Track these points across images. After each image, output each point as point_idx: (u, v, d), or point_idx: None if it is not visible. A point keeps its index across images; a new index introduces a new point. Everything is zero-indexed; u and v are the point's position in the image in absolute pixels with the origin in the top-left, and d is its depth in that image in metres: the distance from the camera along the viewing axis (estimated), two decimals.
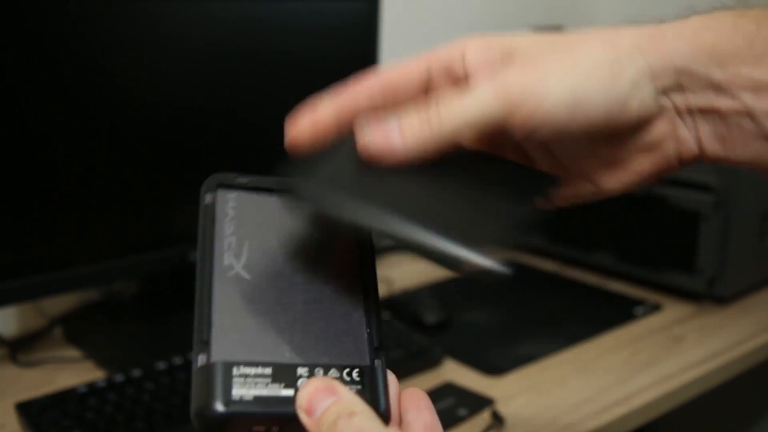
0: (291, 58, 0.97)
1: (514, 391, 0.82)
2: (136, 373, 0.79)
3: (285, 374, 0.32)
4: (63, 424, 0.71)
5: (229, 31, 0.91)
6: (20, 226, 0.81)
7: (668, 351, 0.92)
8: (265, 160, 1.13)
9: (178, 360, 0.81)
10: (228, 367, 0.31)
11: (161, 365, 0.80)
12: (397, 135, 0.35)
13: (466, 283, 1.14)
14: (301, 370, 0.32)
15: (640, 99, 0.35)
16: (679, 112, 0.36)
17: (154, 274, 0.99)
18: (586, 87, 0.35)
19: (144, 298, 1.01)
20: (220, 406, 0.30)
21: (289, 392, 0.31)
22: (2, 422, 0.75)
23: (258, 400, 0.31)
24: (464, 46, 0.38)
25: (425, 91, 0.38)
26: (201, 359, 0.32)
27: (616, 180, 0.39)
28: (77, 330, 0.95)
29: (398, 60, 0.39)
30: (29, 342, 0.93)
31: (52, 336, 0.95)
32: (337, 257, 0.37)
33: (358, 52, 1.03)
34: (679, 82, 0.36)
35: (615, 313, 1.02)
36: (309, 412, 0.30)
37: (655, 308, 1.04)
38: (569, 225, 1.19)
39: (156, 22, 0.85)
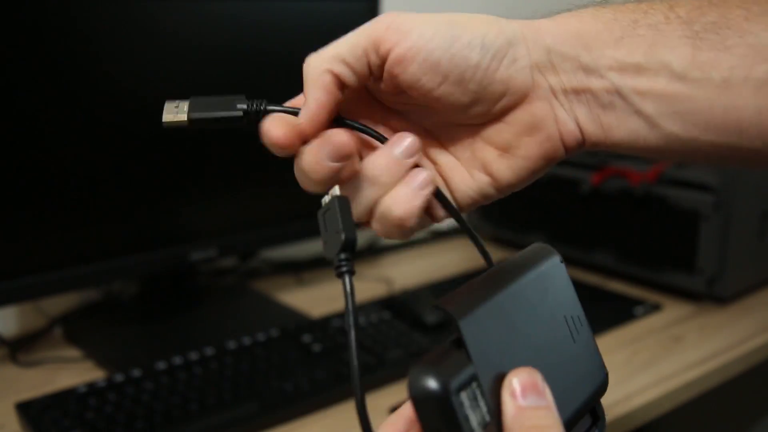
0: (291, 58, 0.96)
1: None
2: (136, 373, 0.79)
3: None
4: (63, 424, 0.71)
5: (229, 31, 0.91)
6: (20, 226, 0.81)
7: (668, 351, 0.92)
8: (265, 160, 1.12)
9: (178, 360, 0.81)
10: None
11: (161, 365, 0.80)
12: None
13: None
14: None
15: (514, 59, 0.37)
16: (554, 92, 0.38)
17: (154, 274, 0.99)
18: (463, 26, 0.37)
19: (144, 298, 1.02)
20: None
21: None
22: (2, 422, 0.75)
23: None
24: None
25: None
26: None
27: (508, 168, 0.40)
28: (77, 330, 0.95)
29: None
30: (29, 342, 0.93)
31: (52, 336, 0.95)
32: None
33: None
34: (551, 61, 0.38)
35: (615, 312, 1.02)
36: (515, 396, 0.31)
37: (655, 308, 1.04)
38: (569, 224, 1.19)
39: (156, 21, 0.85)
